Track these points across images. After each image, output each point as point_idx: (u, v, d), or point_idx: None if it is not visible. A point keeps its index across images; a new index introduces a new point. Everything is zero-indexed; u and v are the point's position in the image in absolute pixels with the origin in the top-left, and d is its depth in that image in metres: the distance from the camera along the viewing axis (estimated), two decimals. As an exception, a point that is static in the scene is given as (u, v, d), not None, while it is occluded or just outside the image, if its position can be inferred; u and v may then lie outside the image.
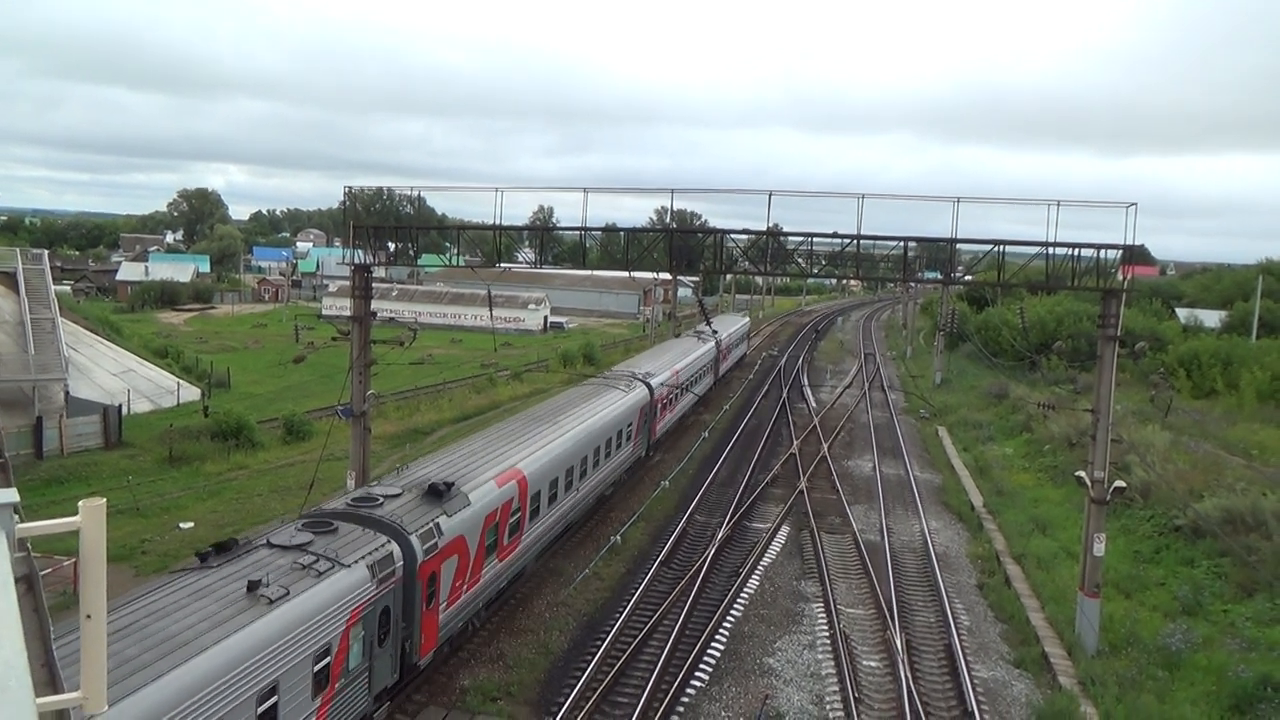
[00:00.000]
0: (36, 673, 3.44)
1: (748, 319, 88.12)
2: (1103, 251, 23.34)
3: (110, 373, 53.15)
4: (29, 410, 42.35)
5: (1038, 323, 68.48)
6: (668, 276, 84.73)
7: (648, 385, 39.29)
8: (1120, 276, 23.99)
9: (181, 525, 31.88)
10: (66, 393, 44.51)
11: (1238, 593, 26.42)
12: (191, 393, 55.69)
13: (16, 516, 3.18)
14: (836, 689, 21.60)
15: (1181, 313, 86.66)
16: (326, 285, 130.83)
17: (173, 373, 58.66)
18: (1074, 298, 69.16)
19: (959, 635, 24.54)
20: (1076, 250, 23.56)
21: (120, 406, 45.15)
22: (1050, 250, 23.68)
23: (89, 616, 3.16)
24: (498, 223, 26.91)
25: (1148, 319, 72.99)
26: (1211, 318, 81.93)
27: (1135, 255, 23.76)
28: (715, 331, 61.76)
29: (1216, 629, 24.59)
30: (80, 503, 3.19)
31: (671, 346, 55.04)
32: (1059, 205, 23.22)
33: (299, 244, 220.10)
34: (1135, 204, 22.26)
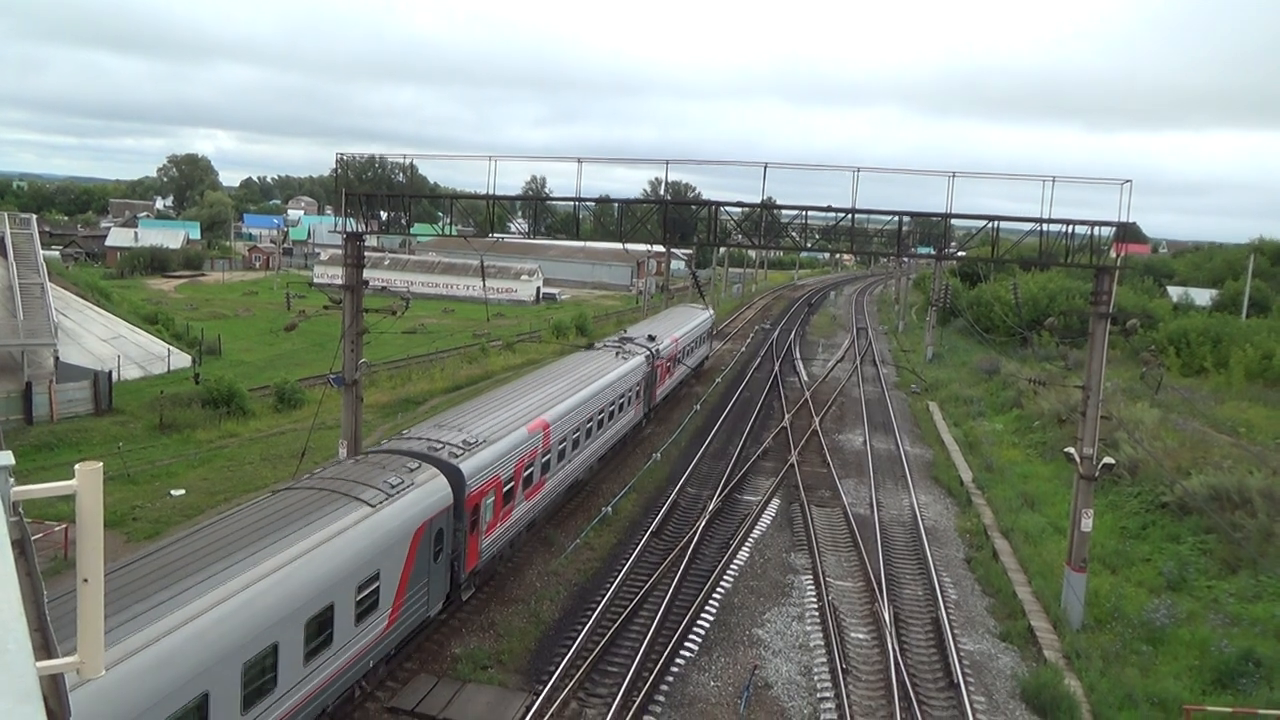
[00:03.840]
0: (30, 637, 3.44)
1: (710, 312, 63.92)
2: (1096, 228, 23.35)
3: (100, 338, 52.93)
4: (18, 375, 42.18)
5: (1030, 299, 68.62)
6: (661, 249, 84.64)
7: (453, 473, 21.31)
8: (1113, 254, 24.01)
9: (173, 492, 31.88)
10: (56, 358, 44.33)
11: (1222, 569, 26.69)
12: (182, 359, 55.53)
13: (11, 480, 3.16)
14: (824, 660, 21.80)
15: (1173, 291, 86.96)
16: (318, 253, 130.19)
17: (163, 339, 58.42)
18: (1066, 274, 69.28)
19: (946, 608, 24.75)
20: (1070, 227, 23.56)
21: (110, 373, 44.99)
22: (1044, 226, 23.68)
23: (86, 580, 3.15)
24: (491, 192, 26.76)
25: (1139, 296, 73.25)
26: (1203, 296, 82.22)
27: (1128, 233, 23.76)
28: (652, 338, 44.12)
29: (1200, 604, 24.86)
30: (76, 466, 3.18)
31: (564, 370, 35.10)
32: (1054, 181, 23.21)
33: (290, 211, 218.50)
34: (1130, 181, 22.26)
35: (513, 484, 24.90)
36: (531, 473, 26.36)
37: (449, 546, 21.27)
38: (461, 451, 22.61)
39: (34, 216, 64.36)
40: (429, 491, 20.29)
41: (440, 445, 22.69)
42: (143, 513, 29.69)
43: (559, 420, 28.58)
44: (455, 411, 27.63)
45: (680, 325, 51.04)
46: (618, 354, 39.29)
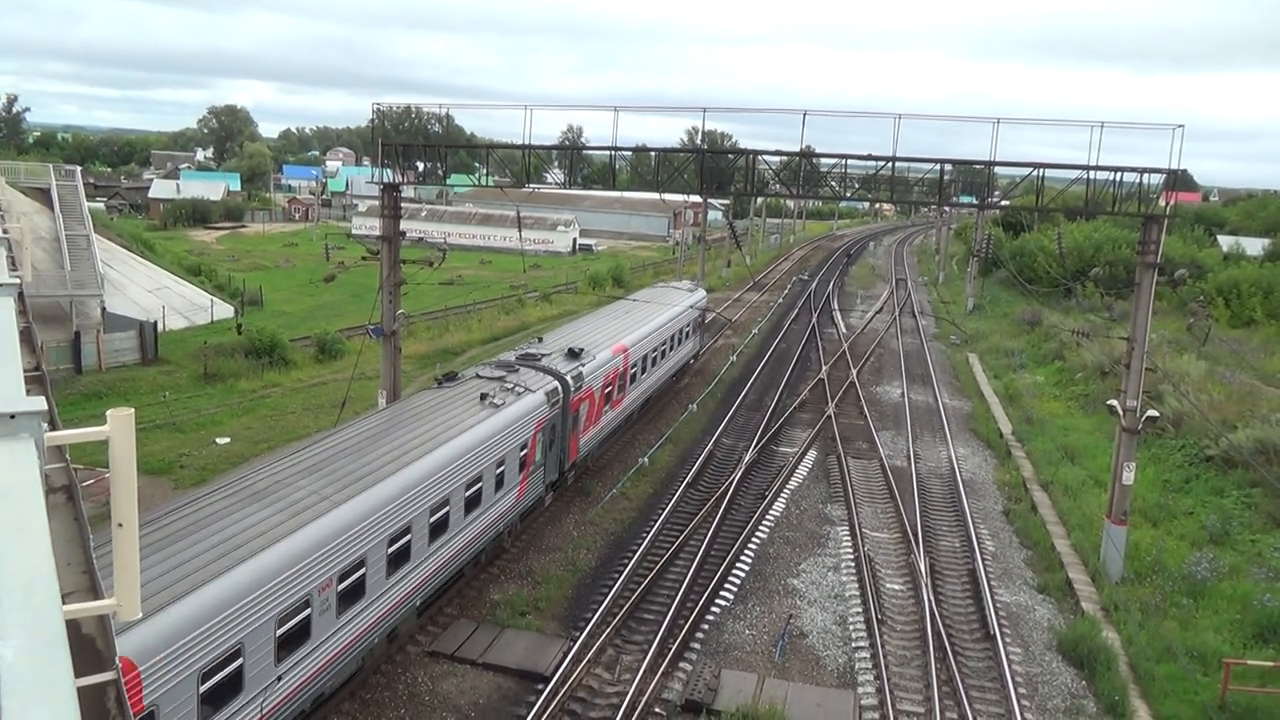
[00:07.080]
0: (78, 579, 3.51)
1: (701, 292, 46.54)
2: (1145, 176, 22.74)
3: (145, 289, 53.76)
4: (67, 325, 43.01)
5: (1075, 249, 67.30)
6: (698, 199, 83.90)
7: None
8: (1163, 202, 23.40)
9: (218, 440, 32.51)
10: (103, 309, 45.13)
11: (1267, 523, 26.33)
12: (225, 310, 56.30)
13: (45, 425, 3.20)
14: (860, 610, 21.88)
15: (1224, 240, 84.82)
16: (356, 204, 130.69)
17: (206, 290, 59.24)
18: (1113, 224, 67.75)
19: (983, 560, 24.68)
20: (1118, 174, 22.97)
21: (156, 323, 45.75)
22: (1091, 174, 23.09)
23: (120, 525, 3.20)
24: (526, 142, 26.60)
25: (1188, 246, 71.55)
26: (1255, 245, 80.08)
27: (1179, 180, 23.13)
28: (575, 354, 28.45)
29: (1244, 558, 24.57)
30: (109, 412, 3.21)
31: (303, 468, 17.39)
32: (1103, 127, 22.59)
33: (329, 163, 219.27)
34: (1182, 126, 21.58)
35: None
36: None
37: None
38: None
39: (78, 169, 65.07)
40: None
41: None
42: (190, 460, 30.32)
43: (177, 652, 12.12)
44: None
45: (642, 322, 35.13)
46: (486, 398, 23.06)
